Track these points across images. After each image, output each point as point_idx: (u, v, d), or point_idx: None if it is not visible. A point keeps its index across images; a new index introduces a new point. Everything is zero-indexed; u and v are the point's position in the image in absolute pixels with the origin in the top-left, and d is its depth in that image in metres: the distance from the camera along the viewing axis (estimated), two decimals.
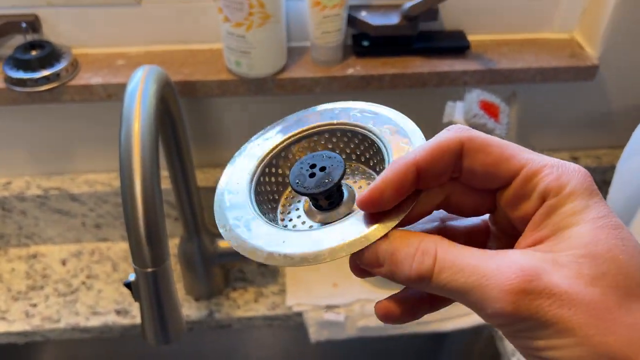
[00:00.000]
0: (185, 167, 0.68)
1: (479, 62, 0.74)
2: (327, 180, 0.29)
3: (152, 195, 0.45)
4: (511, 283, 0.22)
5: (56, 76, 0.69)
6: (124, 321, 0.79)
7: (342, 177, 0.29)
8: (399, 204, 0.27)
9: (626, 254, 0.23)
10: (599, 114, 0.84)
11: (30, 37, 0.71)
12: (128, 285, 0.49)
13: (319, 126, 0.33)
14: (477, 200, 0.28)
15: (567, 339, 0.22)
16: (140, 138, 0.46)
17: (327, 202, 0.30)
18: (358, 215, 0.28)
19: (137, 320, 0.79)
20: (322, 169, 0.30)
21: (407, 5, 0.70)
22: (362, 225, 0.27)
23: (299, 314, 0.79)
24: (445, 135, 0.26)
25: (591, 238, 0.23)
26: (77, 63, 0.72)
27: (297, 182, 0.30)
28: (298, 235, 0.28)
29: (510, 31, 0.78)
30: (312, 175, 0.30)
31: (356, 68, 0.72)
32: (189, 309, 0.80)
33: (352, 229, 0.27)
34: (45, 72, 0.68)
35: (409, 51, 0.73)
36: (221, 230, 0.29)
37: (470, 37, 0.76)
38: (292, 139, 0.33)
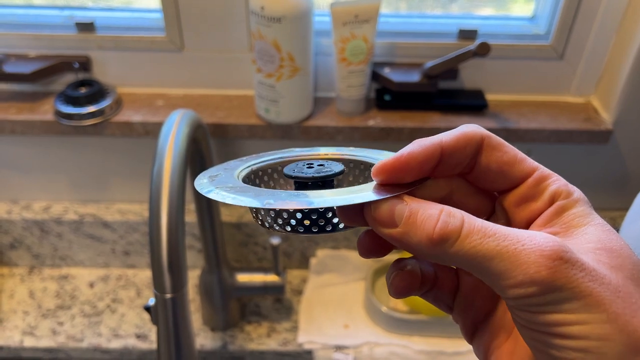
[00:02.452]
0: (211, 203, 0.73)
1: (496, 120, 0.77)
2: (326, 170, 0.28)
3: (175, 228, 0.49)
4: (551, 248, 0.22)
5: (101, 112, 0.75)
6: (143, 345, 0.83)
7: (342, 172, 0.28)
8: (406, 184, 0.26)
9: (635, 255, 0.24)
10: (613, 176, 0.86)
11: (81, 76, 0.78)
12: (148, 309, 0.53)
13: (314, 156, 0.33)
14: (478, 202, 0.28)
15: (596, 315, 0.21)
16: (169, 176, 0.51)
17: None
18: (362, 186, 0.26)
19: (155, 345, 0.83)
20: (320, 165, 0.29)
21: (428, 65, 0.74)
22: (369, 190, 0.25)
23: (309, 352, 0.81)
24: (468, 128, 0.26)
25: (604, 236, 0.24)
26: (120, 101, 0.78)
27: (293, 170, 0.28)
28: (302, 192, 0.27)
29: (528, 92, 0.82)
30: (310, 167, 0.29)
31: (377, 120, 0.76)
32: (205, 339, 0.84)
33: (358, 192, 0.25)
34: (92, 108, 0.75)
35: (428, 107, 0.78)
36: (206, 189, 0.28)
37: (489, 96, 0.80)
38: (285, 159, 0.32)
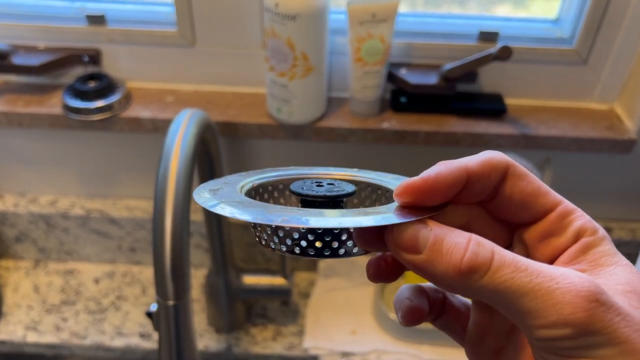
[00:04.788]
0: None
1: (515, 126, 0.75)
2: (338, 189, 0.27)
3: (180, 235, 0.47)
4: (587, 289, 0.21)
5: (109, 107, 0.73)
6: (147, 345, 0.82)
7: (354, 192, 0.27)
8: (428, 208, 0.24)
9: None
10: (635, 187, 0.83)
11: (90, 69, 0.76)
12: (150, 315, 0.51)
13: (322, 175, 0.31)
14: (496, 233, 0.27)
15: None
16: (175, 180, 0.49)
17: None
18: (381, 208, 0.24)
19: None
20: (330, 184, 0.28)
21: (447, 67, 0.72)
22: (389, 212, 0.23)
23: (315, 357, 0.80)
24: (493, 154, 0.25)
25: (633, 278, 0.23)
26: (130, 96, 0.77)
27: (302, 188, 0.27)
28: (315, 210, 0.25)
29: (549, 98, 0.79)
30: (320, 185, 0.27)
31: (392, 122, 0.74)
32: (209, 340, 0.82)
33: (377, 214, 0.23)
34: (100, 103, 0.73)
35: (445, 110, 0.75)
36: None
37: (508, 101, 0.77)
38: (290, 176, 0.31)
